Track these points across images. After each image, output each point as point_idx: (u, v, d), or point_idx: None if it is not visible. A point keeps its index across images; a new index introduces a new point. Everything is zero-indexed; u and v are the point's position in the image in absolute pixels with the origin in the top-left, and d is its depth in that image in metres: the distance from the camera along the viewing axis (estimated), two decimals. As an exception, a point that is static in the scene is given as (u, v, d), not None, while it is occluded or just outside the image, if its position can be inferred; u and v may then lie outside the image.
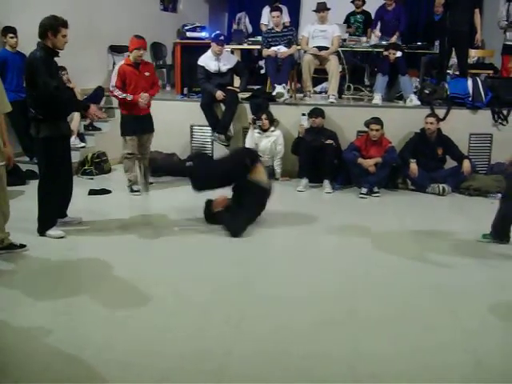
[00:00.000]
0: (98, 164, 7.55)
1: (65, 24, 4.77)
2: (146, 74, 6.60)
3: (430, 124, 7.04)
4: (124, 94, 6.42)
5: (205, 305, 3.74)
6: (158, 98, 7.43)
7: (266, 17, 9.77)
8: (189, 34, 9.28)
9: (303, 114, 7.28)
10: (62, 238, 4.94)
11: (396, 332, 3.41)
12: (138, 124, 6.57)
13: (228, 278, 4.24)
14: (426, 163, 7.05)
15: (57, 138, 4.84)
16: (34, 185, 6.58)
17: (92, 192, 6.60)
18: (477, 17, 8.28)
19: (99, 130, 8.03)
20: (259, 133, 7.33)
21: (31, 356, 3.06)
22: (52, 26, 4.69)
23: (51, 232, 4.96)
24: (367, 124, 7.01)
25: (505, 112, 7.70)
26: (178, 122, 7.93)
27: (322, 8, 8.31)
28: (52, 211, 5.04)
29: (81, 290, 3.92)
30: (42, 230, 4.97)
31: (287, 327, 3.43)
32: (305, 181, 7.04)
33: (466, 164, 6.95)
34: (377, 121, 6.97)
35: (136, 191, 6.70)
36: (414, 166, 6.94)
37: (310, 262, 4.59)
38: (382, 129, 6.90)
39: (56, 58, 4.84)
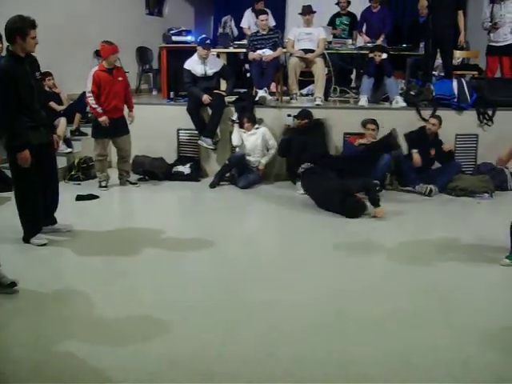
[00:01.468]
0: (85, 169, 7.51)
1: (33, 25, 4.46)
2: (120, 78, 6.88)
3: (431, 125, 7.13)
4: (96, 106, 6.70)
5: (194, 308, 3.73)
6: (145, 102, 7.44)
7: (247, 20, 9.80)
8: (174, 38, 9.26)
9: (289, 115, 7.28)
10: (44, 245, 4.85)
11: (385, 332, 3.42)
12: (110, 127, 6.77)
13: (219, 281, 4.24)
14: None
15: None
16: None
17: (79, 197, 6.56)
18: (460, 18, 8.33)
19: (85, 135, 7.99)
20: (248, 136, 7.33)
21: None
22: (19, 30, 4.39)
23: (34, 240, 4.87)
24: (364, 123, 7.09)
25: (490, 112, 7.76)
26: (164, 126, 7.92)
27: (307, 11, 8.35)
28: (32, 219, 4.90)
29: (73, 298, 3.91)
30: (26, 238, 4.89)
31: (277, 330, 3.43)
32: (299, 183, 7.03)
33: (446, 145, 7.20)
34: (373, 121, 7.13)
35: (104, 187, 7.04)
36: (416, 155, 7.00)
37: (300, 265, 4.59)
38: (377, 130, 6.97)
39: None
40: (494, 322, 3.59)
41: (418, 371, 3.00)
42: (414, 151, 7.01)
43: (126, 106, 7.02)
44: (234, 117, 7.45)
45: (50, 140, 4.97)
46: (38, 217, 4.96)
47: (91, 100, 6.68)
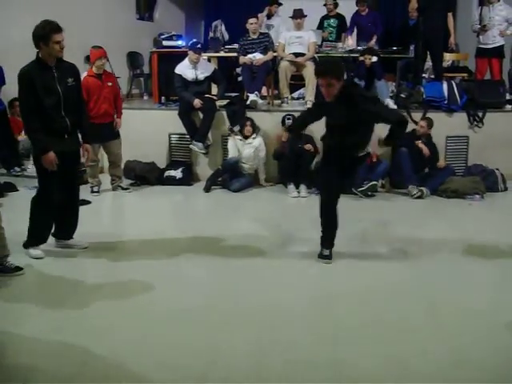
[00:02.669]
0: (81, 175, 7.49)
1: (56, 29, 4.40)
2: (109, 84, 6.90)
3: (420, 127, 7.22)
4: None
5: (187, 312, 3.74)
6: (136, 107, 7.44)
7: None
8: (165, 43, 9.27)
9: (288, 118, 7.29)
10: (39, 259, 4.70)
11: (375, 335, 3.43)
12: (99, 132, 6.70)
13: (212, 285, 4.25)
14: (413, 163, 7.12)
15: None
16: (12, 197, 6.63)
17: (71, 203, 6.54)
18: (450, 21, 8.38)
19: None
20: (241, 140, 7.34)
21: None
22: (42, 36, 4.35)
23: (32, 251, 4.73)
24: None
25: (480, 114, 7.80)
26: (155, 130, 7.92)
27: (298, 15, 8.38)
28: (41, 228, 4.76)
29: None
30: (26, 245, 4.75)
31: (271, 334, 3.44)
32: (292, 186, 7.09)
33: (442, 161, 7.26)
34: None
35: (95, 192, 7.03)
36: (422, 145, 7.10)
37: (295, 269, 4.60)
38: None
39: None
40: (485, 321, 3.61)
41: (410, 372, 3.01)
42: (419, 142, 7.11)
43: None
44: (236, 128, 7.45)
45: (77, 150, 4.82)
46: (48, 228, 4.82)
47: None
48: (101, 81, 6.79)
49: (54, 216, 4.79)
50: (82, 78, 6.55)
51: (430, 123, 7.25)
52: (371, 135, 4.73)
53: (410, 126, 7.16)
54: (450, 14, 8.38)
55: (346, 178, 4.94)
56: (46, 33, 4.36)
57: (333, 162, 4.64)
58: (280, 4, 10.13)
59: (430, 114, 7.58)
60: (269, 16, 9.95)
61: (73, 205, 4.94)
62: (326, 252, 4.66)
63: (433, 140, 7.30)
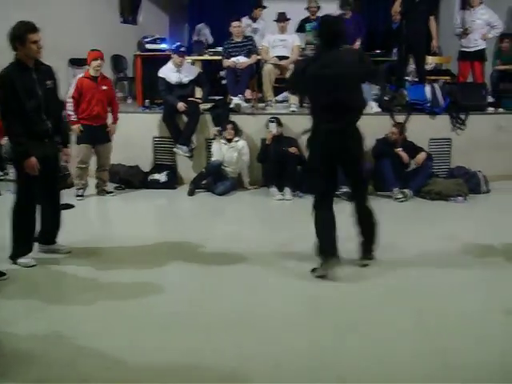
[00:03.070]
0: (60, 179, 7.44)
1: (32, 29, 4.34)
2: (104, 87, 6.89)
3: (391, 134, 7.24)
4: (72, 113, 6.74)
5: (172, 315, 3.73)
6: (120, 110, 7.40)
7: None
8: (149, 46, 9.26)
9: (271, 121, 7.29)
10: (32, 266, 4.61)
11: (360, 335, 3.44)
12: (93, 134, 6.82)
13: (197, 288, 4.25)
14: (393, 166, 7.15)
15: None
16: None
17: (54, 207, 6.50)
18: (432, 24, 8.44)
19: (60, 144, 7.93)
20: (225, 143, 7.34)
21: None
22: (18, 37, 4.29)
23: (22, 260, 4.62)
24: None
25: (463, 117, 7.86)
26: (140, 134, 7.89)
27: (282, 18, 8.42)
28: (25, 237, 4.66)
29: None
30: (14, 257, 4.64)
31: (256, 335, 3.45)
32: (275, 189, 7.08)
33: (420, 156, 7.15)
34: None
35: (80, 196, 6.94)
36: (402, 153, 7.12)
37: (278, 271, 4.60)
38: None
39: None
40: (469, 321, 3.65)
41: (395, 372, 3.03)
42: (398, 150, 7.12)
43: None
44: (219, 130, 7.45)
45: (57, 153, 4.78)
46: (31, 235, 4.72)
47: (69, 106, 6.70)
48: (96, 83, 6.79)
49: (35, 221, 4.70)
50: (76, 78, 6.80)
51: (402, 129, 7.28)
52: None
53: (380, 132, 7.25)
54: (432, 18, 8.43)
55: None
56: (21, 33, 4.32)
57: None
58: (264, 7, 10.14)
59: (413, 117, 7.60)
60: (254, 20, 9.95)
61: (54, 209, 4.88)
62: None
63: (413, 142, 7.33)
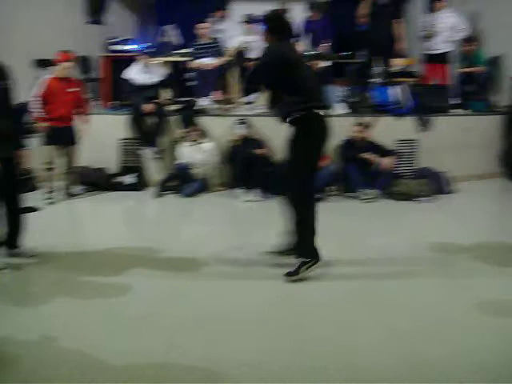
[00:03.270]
0: (24, 181, 7.33)
1: None
2: (71, 90, 6.81)
3: (357, 132, 7.24)
4: (39, 111, 6.64)
5: (137, 319, 3.70)
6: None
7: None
8: (116, 47, 9.20)
9: (239, 123, 7.28)
10: (2, 269, 4.51)
11: (324, 337, 3.45)
12: (58, 135, 6.75)
13: (162, 292, 4.20)
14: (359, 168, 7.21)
15: None
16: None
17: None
18: (398, 27, 8.55)
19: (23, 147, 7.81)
20: (191, 145, 7.32)
21: None
22: None
23: None
24: None
25: (428, 118, 7.96)
26: (106, 136, 7.81)
27: (249, 19, 8.43)
28: None
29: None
30: None
31: (221, 338, 3.43)
32: (243, 191, 7.09)
33: (386, 160, 7.17)
34: None
35: (50, 199, 6.81)
36: (366, 155, 7.17)
37: (244, 273, 4.59)
38: None
39: None
40: (430, 321, 3.67)
41: (361, 372, 3.04)
42: (363, 154, 7.17)
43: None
44: (185, 132, 7.43)
45: (13, 156, 4.62)
46: None
47: (35, 104, 6.61)
48: (64, 85, 6.72)
49: None
50: (44, 78, 6.73)
51: (367, 125, 7.37)
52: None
53: (347, 133, 7.30)
54: (398, 21, 8.55)
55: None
56: None
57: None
58: (226, 9, 10.15)
59: (379, 119, 7.70)
60: (218, 21, 9.92)
61: (15, 213, 4.74)
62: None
63: (376, 142, 7.40)
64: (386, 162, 7.14)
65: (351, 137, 7.26)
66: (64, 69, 6.69)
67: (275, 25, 4.35)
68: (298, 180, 4.29)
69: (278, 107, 4.39)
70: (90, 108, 7.42)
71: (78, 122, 6.99)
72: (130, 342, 3.37)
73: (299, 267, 4.30)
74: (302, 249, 4.37)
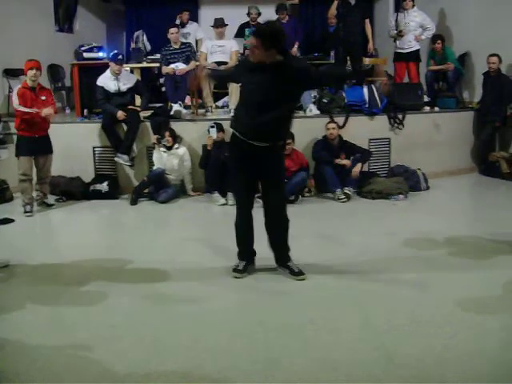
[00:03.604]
0: (-1, 192, 7.28)
1: None
2: (43, 97, 6.73)
3: (332, 129, 7.25)
4: (30, 109, 6.48)
5: (118, 326, 3.68)
6: (58, 121, 7.30)
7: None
8: (86, 55, 9.12)
9: (212, 127, 7.27)
10: None
11: (306, 339, 3.47)
12: (33, 145, 6.66)
13: (142, 297, 4.19)
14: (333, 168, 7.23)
15: None
16: None
17: (-7, 222, 6.34)
18: (367, 27, 8.65)
19: (-4, 157, 7.75)
20: (165, 151, 7.29)
21: None
22: None
23: None
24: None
25: (400, 116, 8.05)
26: (79, 144, 7.75)
27: (219, 24, 8.44)
28: None
29: None
30: None
31: (201, 342, 3.43)
32: (217, 194, 7.07)
33: (355, 169, 7.20)
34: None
35: (28, 212, 6.68)
36: (342, 161, 7.19)
37: (221, 277, 4.58)
38: (292, 142, 7.00)
39: None
40: (408, 318, 3.70)
41: (340, 373, 3.06)
42: (339, 160, 7.20)
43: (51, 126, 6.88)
44: (157, 138, 7.40)
45: None
46: None
47: (23, 108, 6.48)
48: (35, 94, 6.62)
49: None
50: (16, 89, 6.63)
51: (338, 124, 7.44)
52: (289, 125, 4.40)
53: (320, 134, 7.34)
54: (367, 21, 8.66)
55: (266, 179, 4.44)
56: None
57: (243, 158, 4.31)
58: (188, 10, 10.20)
59: (352, 118, 7.76)
60: (182, 25, 9.93)
61: None
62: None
63: (349, 141, 7.43)
64: (353, 172, 7.19)
65: (327, 136, 7.28)
66: (30, 77, 6.59)
67: (274, 41, 4.01)
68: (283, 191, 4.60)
69: (275, 128, 4.21)
70: (58, 116, 7.32)
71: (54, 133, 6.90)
72: (104, 352, 3.34)
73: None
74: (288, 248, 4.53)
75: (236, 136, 4.26)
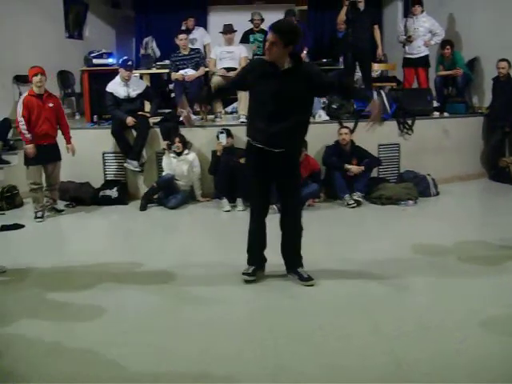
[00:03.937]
0: (9, 198, 7.30)
1: None
2: (50, 105, 6.74)
3: (344, 135, 7.26)
4: (26, 132, 6.53)
5: (128, 332, 3.69)
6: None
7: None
8: (96, 61, 9.19)
9: (221, 132, 7.28)
10: None
11: (315, 345, 3.46)
12: (42, 153, 6.66)
13: (152, 304, 4.19)
14: (343, 174, 7.22)
15: None
16: None
17: (4, 228, 6.34)
18: (376, 32, 8.65)
19: (8, 163, 7.77)
20: (174, 157, 7.31)
21: None
22: None
23: None
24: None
25: (409, 122, 8.03)
26: (89, 150, 7.76)
27: (228, 30, 8.46)
28: None
29: None
30: None
31: (210, 350, 3.42)
32: (225, 200, 7.07)
33: (353, 167, 7.21)
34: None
35: (40, 218, 6.72)
36: (351, 167, 7.19)
37: (232, 282, 4.58)
38: (305, 149, 6.97)
39: None
40: (417, 323, 3.69)
41: (349, 379, 3.05)
42: (348, 167, 7.18)
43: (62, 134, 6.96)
44: (167, 144, 7.41)
45: None
46: None
47: (22, 125, 6.52)
48: (41, 101, 6.63)
49: None
50: (22, 98, 6.65)
51: (350, 129, 7.45)
52: (306, 131, 4.43)
53: (329, 139, 7.33)
54: (376, 27, 8.66)
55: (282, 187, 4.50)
56: None
57: (260, 166, 4.33)
58: (193, 17, 10.20)
59: (361, 124, 7.71)
60: (189, 31, 9.94)
61: None
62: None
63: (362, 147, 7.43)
64: (353, 168, 7.21)
65: (339, 141, 7.27)
66: (35, 84, 6.59)
67: (293, 37, 4.03)
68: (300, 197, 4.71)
69: (291, 135, 4.27)
70: (69, 123, 7.35)
71: (62, 140, 6.93)
72: (114, 358, 3.34)
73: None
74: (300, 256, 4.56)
75: (252, 144, 4.29)
